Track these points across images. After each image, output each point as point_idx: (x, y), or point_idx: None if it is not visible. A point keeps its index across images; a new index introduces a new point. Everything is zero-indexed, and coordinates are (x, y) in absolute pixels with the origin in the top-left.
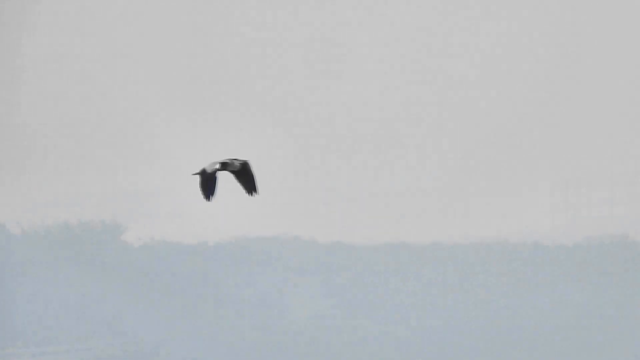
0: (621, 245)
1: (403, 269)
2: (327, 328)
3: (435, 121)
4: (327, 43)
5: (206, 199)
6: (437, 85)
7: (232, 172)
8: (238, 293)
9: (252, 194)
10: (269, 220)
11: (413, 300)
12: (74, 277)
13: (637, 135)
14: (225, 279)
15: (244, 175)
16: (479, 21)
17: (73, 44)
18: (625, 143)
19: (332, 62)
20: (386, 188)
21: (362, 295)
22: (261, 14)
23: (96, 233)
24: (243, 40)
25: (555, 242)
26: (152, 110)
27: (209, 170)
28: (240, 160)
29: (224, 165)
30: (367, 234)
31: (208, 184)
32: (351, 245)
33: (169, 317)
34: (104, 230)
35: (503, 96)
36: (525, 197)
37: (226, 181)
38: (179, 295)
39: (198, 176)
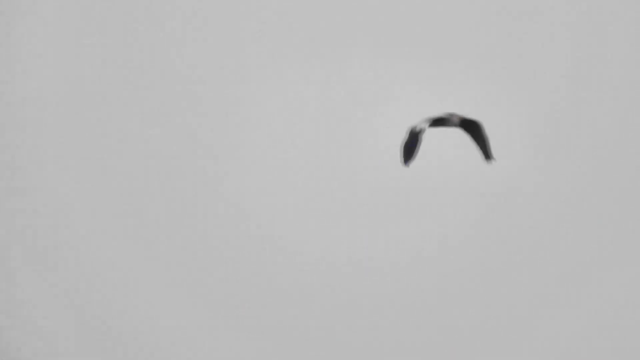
0: None
1: None
2: None
3: None
4: None
5: (404, 163)
6: None
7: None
8: None
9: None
10: None
11: None
12: None
13: None
14: None
15: (476, 138)
16: None
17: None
18: None
19: None
20: None
21: None
22: None
23: None
24: None
25: None
26: None
27: (417, 129)
28: (459, 116)
29: (439, 122)
30: None
31: (410, 146)
32: None
33: None
34: None
35: None
36: None
37: None
38: None
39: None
